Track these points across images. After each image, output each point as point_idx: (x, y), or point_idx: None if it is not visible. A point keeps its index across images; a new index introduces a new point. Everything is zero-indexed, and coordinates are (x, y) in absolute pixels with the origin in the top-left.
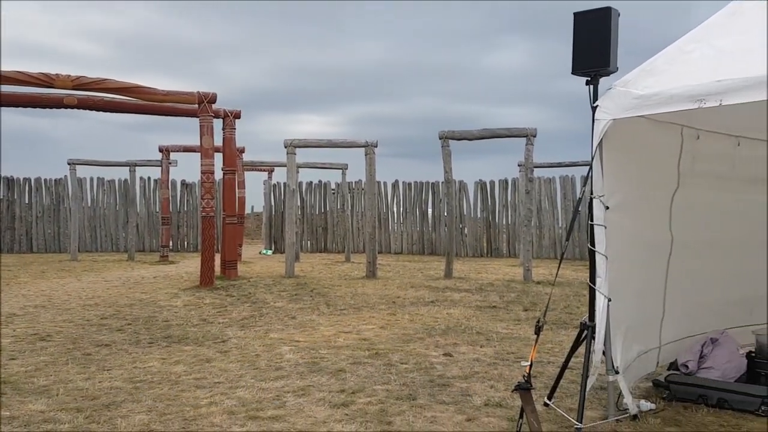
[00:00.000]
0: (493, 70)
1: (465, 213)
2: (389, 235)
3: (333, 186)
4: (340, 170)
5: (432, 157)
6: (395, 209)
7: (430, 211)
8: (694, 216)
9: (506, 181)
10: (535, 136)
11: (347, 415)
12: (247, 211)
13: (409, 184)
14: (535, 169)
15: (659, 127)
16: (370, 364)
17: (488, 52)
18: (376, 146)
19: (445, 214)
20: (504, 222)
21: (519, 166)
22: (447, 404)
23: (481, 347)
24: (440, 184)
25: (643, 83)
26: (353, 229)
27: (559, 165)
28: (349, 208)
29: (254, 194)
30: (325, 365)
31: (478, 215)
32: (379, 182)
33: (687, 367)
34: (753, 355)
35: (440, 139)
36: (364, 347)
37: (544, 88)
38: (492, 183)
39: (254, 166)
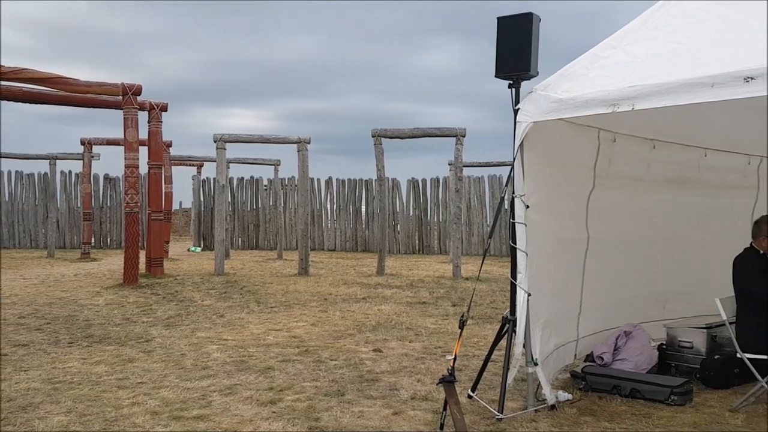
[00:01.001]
0: (426, 69)
1: (398, 210)
2: (323, 233)
3: (265, 182)
4: (273, 166)
5: (366, 154)
6: (329, 206)
7: (363, 208)
8: (610, 215)
9: (438, 180)
10: (464, 136)
11: (274, 412)
12: (175, 207)
13: (343, 181)
14: (464, 169)
15: (578, 130)
16: (300, 362)
17: (421, 51)
18: (309, 143)
19: (378, 211)
20: (435, 219)
21: (449, 165)
22: (375, 399)
23: (410, 342)
24: (374, 181)
25: (561, 87)
26: (286, 226)
27: (488, 165)
28: (282, 204)
29: (182, 190)
30: (254, 363)
31: (411, 213)
32: (312, 179)
33: (602, 359)
34: (664, 347)
35: (373, 137)
36: (294, 345)
37: (475, 89)
38: (424, 181)
39: (182, 161)
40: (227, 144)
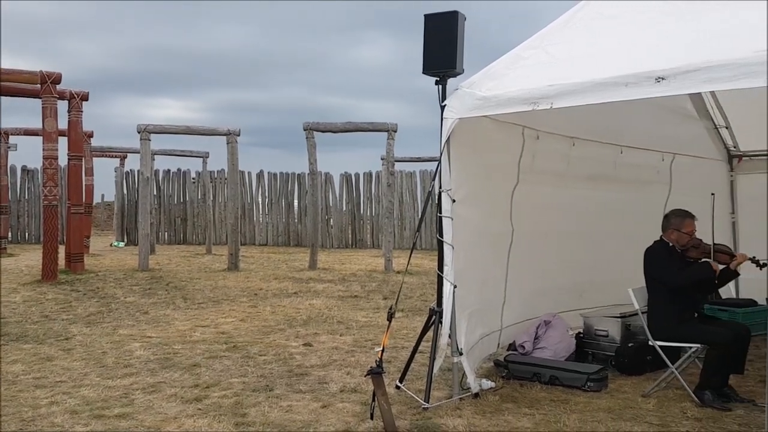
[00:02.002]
0: (360, 64)
1: (331, 205)
2: (254, 227)
3: (193, 175)
4: (201, 159)
5: (298, 148)
6: (260, 200)
7: (296, 202)
8: (533, 209)
9: (370, 174)
10: (395, 131)
11: (200, 409)
12: (97, 200)
13: (275, 174)
14: (396, 164)
15: (503, 127)
16: (227, 358)
17: (354, 45)
18: (239, 135)
19: (311, 205)
20: (368, 214)
21: (382, 159)
22: (304, 393)
23: (340, 336)
24: (306, 175)
25: (485, 85)
26: (215, 220)
27: (419, 160)
28: (211, 198)
29: (105, 182)
30: (179, 360)
31: (344, 207)
32: (242, 172)
33: (524, 347)
34: (581, 336)
35: (305, 130)
36: (222, 341)
37: (408, 85)
38: (357, 175)
39: (105, 152)
40: (152, 135)
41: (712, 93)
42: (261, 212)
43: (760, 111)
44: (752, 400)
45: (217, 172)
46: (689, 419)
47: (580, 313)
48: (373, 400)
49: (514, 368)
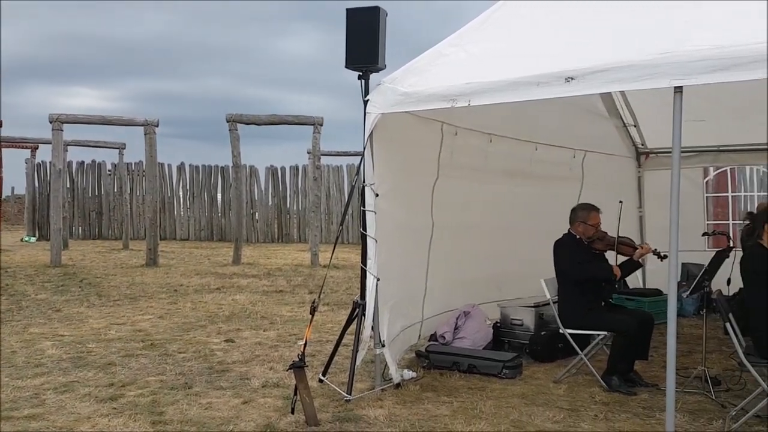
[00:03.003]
0: (287, 56)
1: (256, 198)
2: (174, 221)
3: (109, 167)
4: (117, 150)
5: (222, 140)
6: (181, 193)
7: (219, 196)
8: (452, 203)
9: (297, 168)
10: (321, 125)
11: (115, 409)
12: (6, 193)
13: (197, 167)
14: (323, 157)
15: (423, 123)
16: (144, 356)
17: (281, 37)
18: (158, 125)
19: (235, 199)
20: (295, 208)
21: (308, 153)
22: (224, 389)
23: (264, 331)
24: (230, 168)
25: (407, 81)
26: (133, 214)
27: (346, 154)
28: (128, 191)
29: (15, 174)
30: (93, 359)
31: (270, 201)
32: (162, 164)
33: (444, 338)
34: (498, 325)
35: (228, 122)
36: (139, 339)
37: (336, 78)
38: (283, 169)
39: (14, 143)
40: (65, 125)
41: (622, 92)
42: (182, 206)
43: (667, 109)
44: (656, 384)
45: (135, 164)
46: (597, 403)
47: (497, 304)
48: (295, 394)
49: (435, 358)
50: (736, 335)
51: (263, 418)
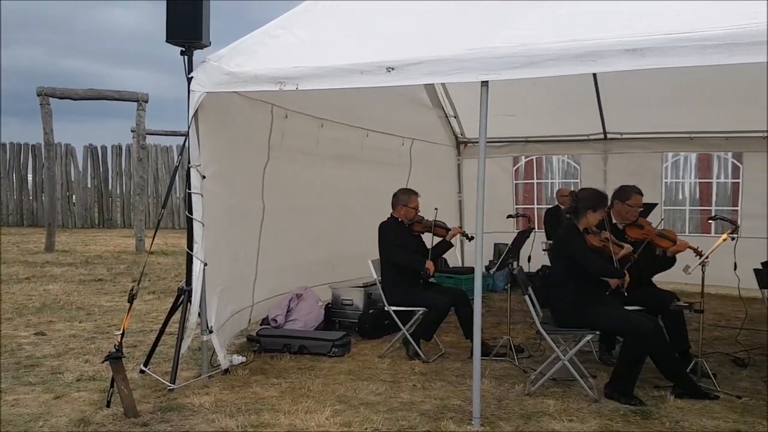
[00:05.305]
0: (111, 27)
1: (73, 180)
2: None
3: None
4: None
5: (33, 115)
6: None
7: (30, 177)
8: (284, 186)
9: (120, 148)
10: (146, 102)
11: None
12: None
13: (4, 145)
14: (150, 137)
15: (252, 104)
16: None
17: (106, 6)
18: None
19: (48, 181)
20: (118, 191)
21: (132, 132)
22: (33, 385)
23: (80, 323)
24: (42, 146)
25: (234, 61)
26: None
27: (176, 134)
28: None
29: None
30: None
31: (89, 183)
32: None
33: (276, 321)
34: (330, 306)
35: (38, 96)
36: None
37: (167, 53)
38: (104, 148)
39: None
40: None
41: (443, 85)
42: None
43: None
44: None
45: None
46: (416, 374)
47: (329, 285)
48: (112, 386)
49: (266, 342)
50: (534, 306)
51: (77, 412)
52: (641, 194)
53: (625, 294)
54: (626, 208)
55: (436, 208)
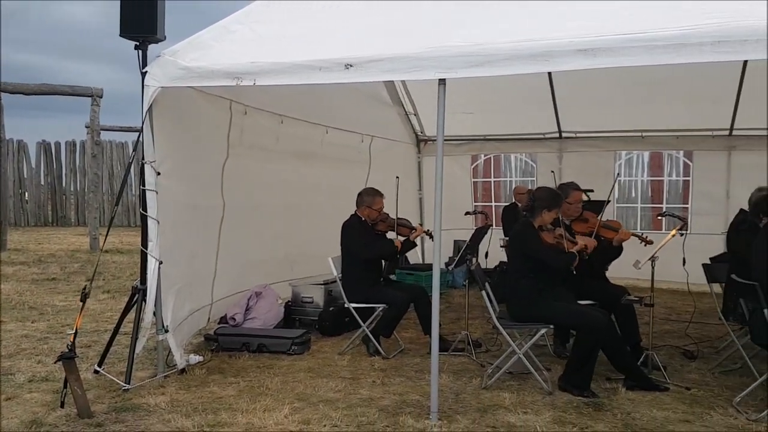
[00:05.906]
0: (65, 19)
1: (26, 177)
2: None
3: None
4: None
5: None
6: None
7: None
8: (244, 183)
9: (74, 144)
10: (101, 97)
11: None
12: None
13: None
14: (105, 132)
15: (210, 100)
16: None
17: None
18: None
19: None
20: (72, 188)
21: (86, 127)
22: None
23: (32, 323)
24: None
25: (189, 55)
26: None
27: (131, 129)
28: None
29: None
30: None
31: (42, 180)
32: None
33: (235, 319)
34: (290, 303)
35: None
36: None
37: (123, 47)
38: (58, 144)
39: None
40: None
41: (403, 82)
42: None
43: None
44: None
45: None
46: (376, 371)
47: (289, 283)
48: (65, 387)
49: (224, 340)
50: (491, 302)
51: (29, 414)
52: (580, 190)
53: (574, 272)
54: (566, 205)
55: (397, 177)
